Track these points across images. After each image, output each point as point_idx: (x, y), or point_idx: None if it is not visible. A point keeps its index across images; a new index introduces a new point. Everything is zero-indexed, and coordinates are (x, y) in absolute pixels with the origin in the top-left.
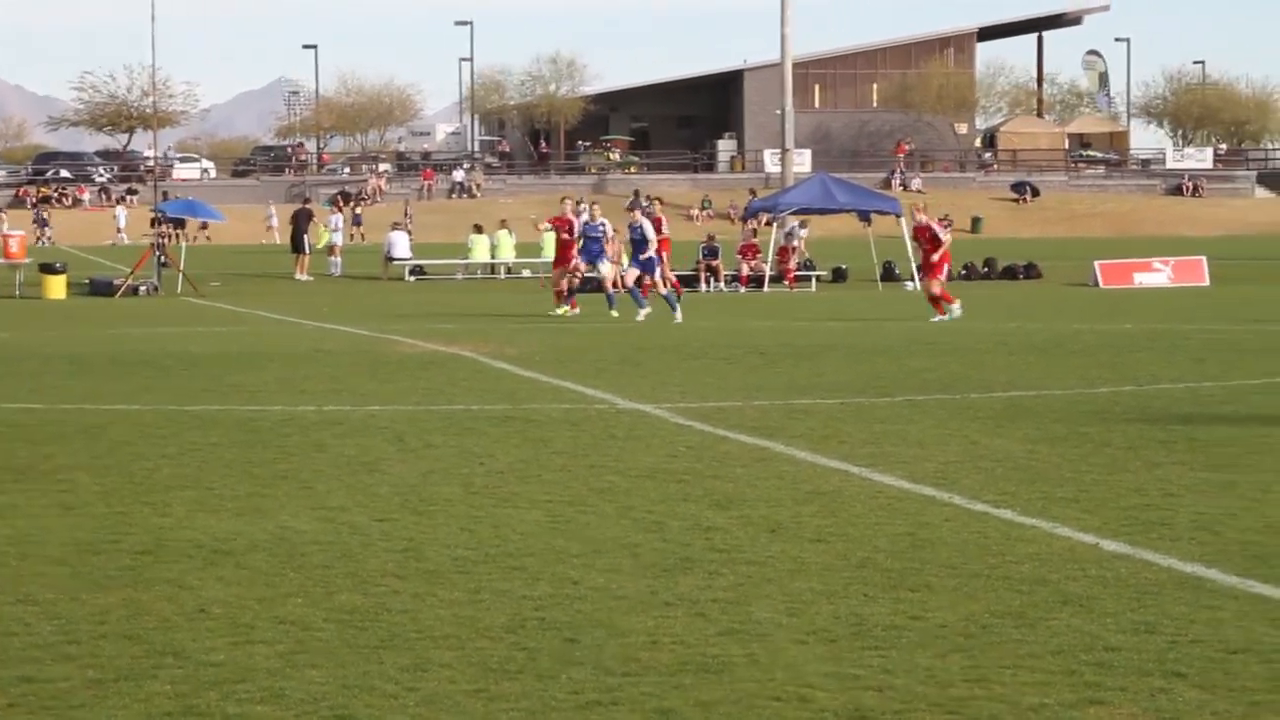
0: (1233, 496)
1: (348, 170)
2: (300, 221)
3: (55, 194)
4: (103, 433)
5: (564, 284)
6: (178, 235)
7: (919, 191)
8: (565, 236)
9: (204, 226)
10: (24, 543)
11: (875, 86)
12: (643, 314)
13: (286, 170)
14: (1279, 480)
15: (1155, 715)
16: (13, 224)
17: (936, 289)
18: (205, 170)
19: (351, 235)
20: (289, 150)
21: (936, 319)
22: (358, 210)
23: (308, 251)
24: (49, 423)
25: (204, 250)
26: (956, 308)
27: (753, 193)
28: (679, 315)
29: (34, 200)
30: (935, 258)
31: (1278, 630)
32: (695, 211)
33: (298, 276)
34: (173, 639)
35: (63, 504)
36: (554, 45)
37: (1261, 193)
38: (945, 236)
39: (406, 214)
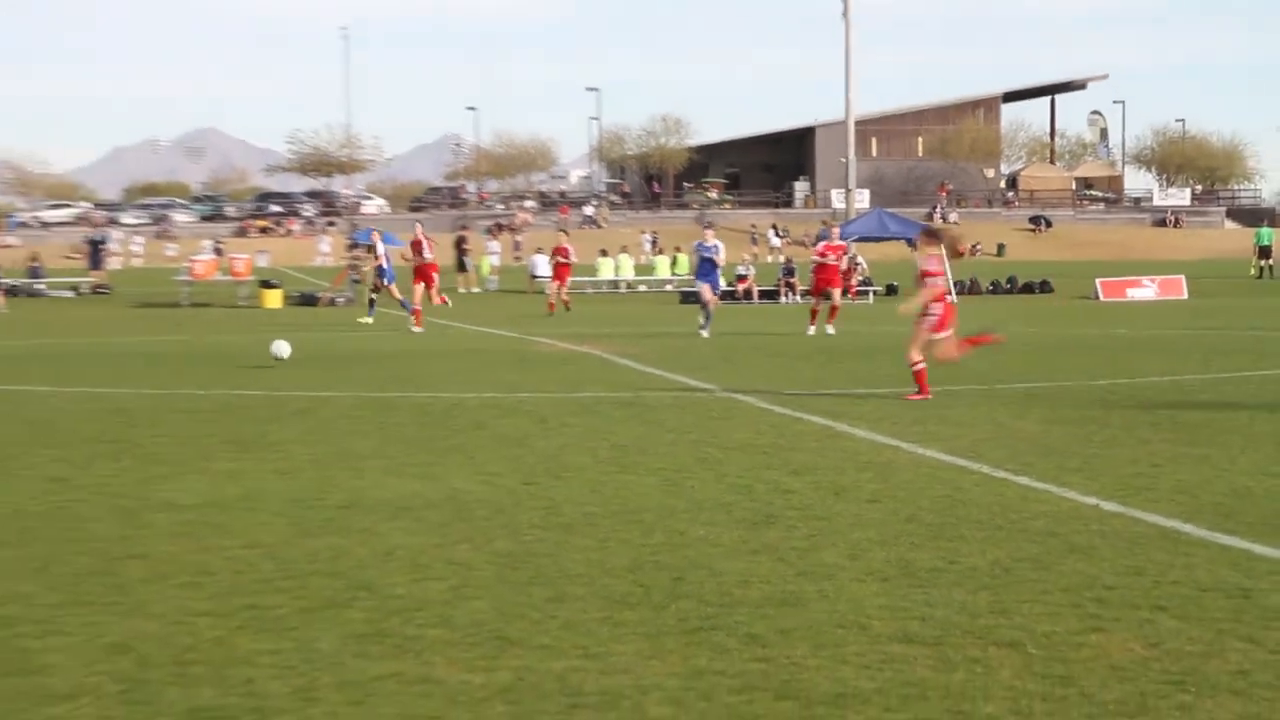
0: (1207, 466)
1: (501, 206)
2: (459, 246)
3: (271, 225)
4: (311, 413)
5: (417, 297)
6: (369, 257)
7: (955, 223)
8: (561, 260)
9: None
10: (250, 499)
11: (920, 139)
12: (705, 332)
13: (454, 206)
14: (1243, 454)
15: (1143, 640)
16: (237, 250)
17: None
18: (380, 206)
19: (513, 257)
20: (452, 190)
21: None
22: (518, 238)
23: (468, 270)
24: (268, 405)
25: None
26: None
27: (824, 223)
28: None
29: (255, 231)
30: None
31: (1239, 573)
32: (776, 239)
33: (460, 290)
34: (366, 576)
35: (280, 469)
36: (665, 106)
37: (1230, 225)
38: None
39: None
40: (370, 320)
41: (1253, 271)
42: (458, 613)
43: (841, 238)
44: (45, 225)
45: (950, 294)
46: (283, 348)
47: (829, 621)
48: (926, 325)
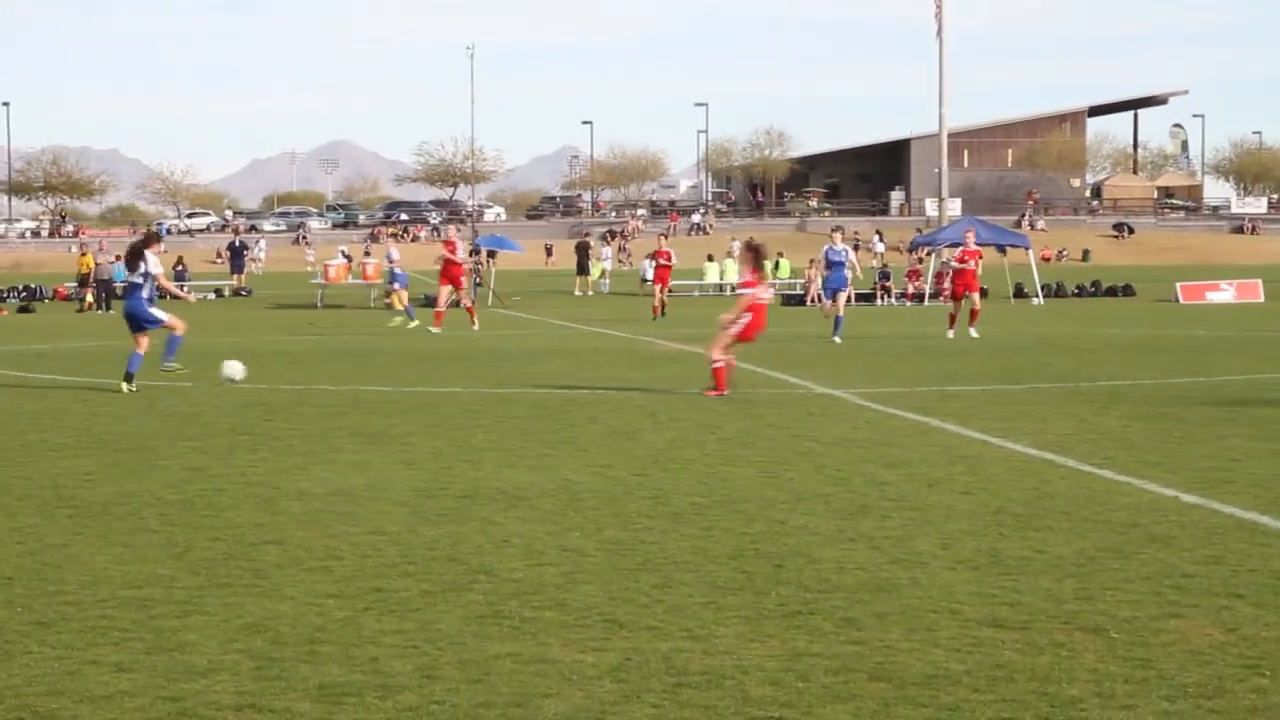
0: None
1: (614, 214)
2: (581, 252)
3: (400, 232)
4: (433, 408)
5: (445, 304)
6: (490, 261)
7: (1042, 230)
8: (450, 256)
9: (491, 255)
10: (375, 489)
11: (1009, 151)
12: (838, 338)
13: (569, 214)
14: None
15: (1220, 626)
16: (372, 255)
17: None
18: (498, 214)
19: (619, 261)
20: (566, 199)
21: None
22: (625, 244)
23: (589, 274)
24: (393, 400)
25: (508, 273)
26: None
27: (918, 231)
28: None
29: (385, 237)
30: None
31: None
32: (880, 245)
33: (576, 293)
34: (484, 561)
35: (404, 460)
36: (768, 120)
37: None
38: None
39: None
40: (407, 323)
41: None
42: (570, 596)
43: (933, 245)
44: (191, 233)
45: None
46: (235, 369)
47: (921, 607)
48: (733, 330)
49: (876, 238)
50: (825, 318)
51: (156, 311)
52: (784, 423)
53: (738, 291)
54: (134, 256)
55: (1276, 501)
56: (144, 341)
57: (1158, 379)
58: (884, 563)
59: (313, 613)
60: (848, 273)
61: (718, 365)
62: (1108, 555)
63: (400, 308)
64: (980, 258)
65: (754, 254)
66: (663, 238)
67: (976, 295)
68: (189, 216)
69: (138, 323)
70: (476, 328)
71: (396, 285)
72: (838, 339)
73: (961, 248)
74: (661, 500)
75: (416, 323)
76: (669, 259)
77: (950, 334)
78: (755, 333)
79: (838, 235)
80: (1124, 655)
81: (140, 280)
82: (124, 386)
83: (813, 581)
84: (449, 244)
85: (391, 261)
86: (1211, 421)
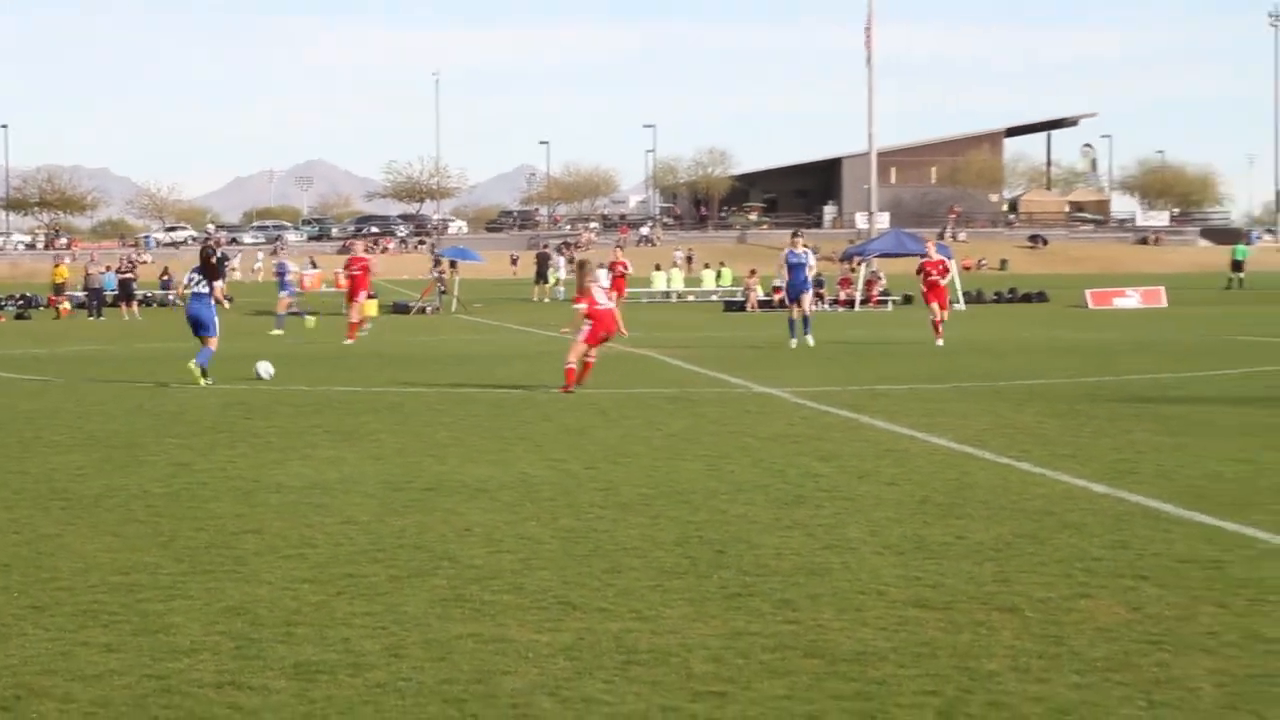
0: (1183, 453)
1: (569, 227)
2: (540, 262)
3: (370, 245)
4: (400, 407)
5: (357, 317)
6: (453, 271)
7: (963, 241)
8: (356, 274)
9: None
10: (347, 482)
11: (933, 169)
12: (795, 342)
13: (526, 227)
14: (1215, 442)
15: (1126, 605)
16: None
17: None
18: (460, 228)
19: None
20: (523, 213)
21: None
22: (577, 255)
23: (548, 282)
24: (364, 400)
25: (471, 281)
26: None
27: (850, 243)
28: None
29: (282, 249)
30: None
31: (1212, 546)
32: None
33: (534, 299)
34: (448, 548)
35: (373, 455)
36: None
37: (1203, 243)
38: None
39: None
40: (302, 324)
41: (1225, 283)
42: (527, 581)
43: (863, 255)
44: (176, 245)
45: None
46: (265, 368)
47: (851, 589)
48: (580, 337)
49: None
50: (795, 319)
51: (216, 321)
52: (725, 420)
53: (574, 307)
54: (209, 267)
55: (1178, 491)
56: (212, 341)
57: (1069, 378)
58: (817, 548)
59: (289, 597)
60: (809, 273)
61: (569, 367)
62: (1024, 541)
63: (280, 313)
64: (942, 269)
65: (580, 270)
66: (618, 249)
67: (936, 305)
68: (169, 230)
69: (200, 327)
70: (350, 343)
71: (284, 293)
72: (810, 339)
73: (924, 259)
74: (612, 491)
75: (280, 332)
76: (625, 268)
77: (939, 343)
78: (600, 336)
79: (798, 240)
80: (1038, 633)
81: (205, 290)
82: (201, 381)
83: (752, 566)
84: (356, 261)
85: (283, 274)
86: (1119, 417)
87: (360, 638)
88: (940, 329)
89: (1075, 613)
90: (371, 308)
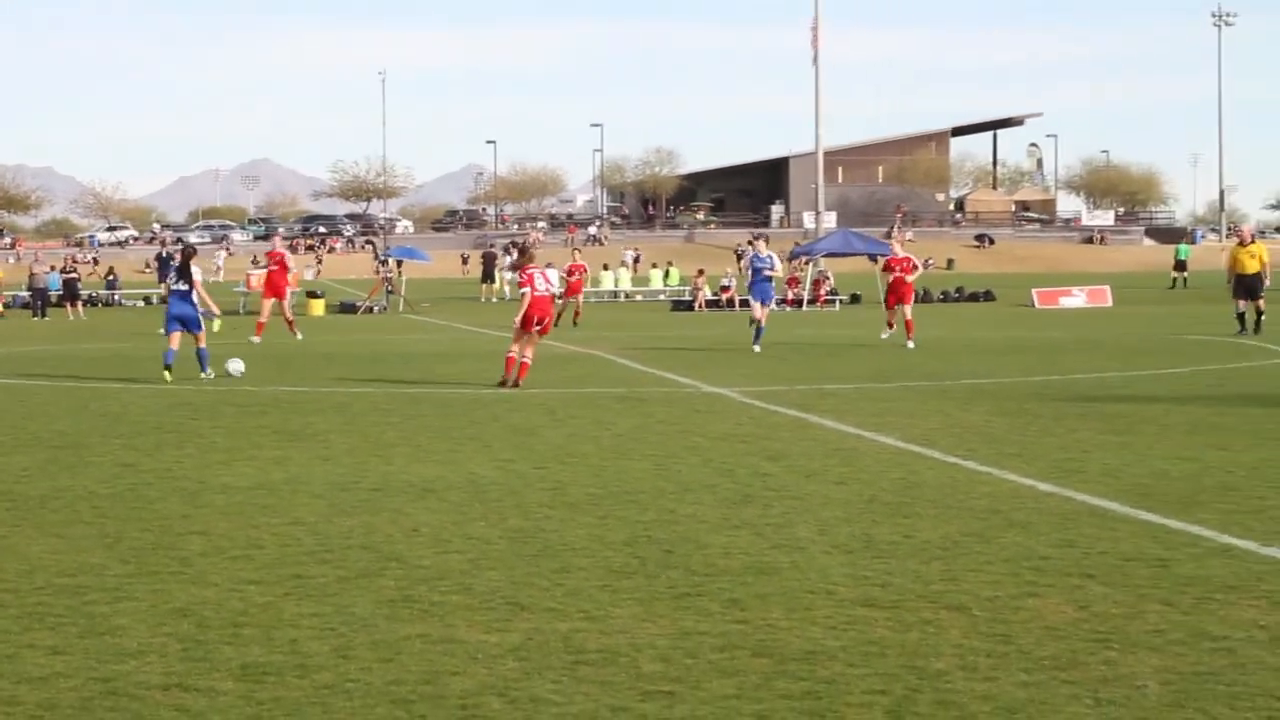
0: (1128, 452)
1: (516, 227)
2: (488, 261)
3: (317, 244)
4: (348, 407)
5: (267, 314)
6: (399, 270)
7: (911, 240)
8: (273, 269)
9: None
10: (295, 483)
11: (880, 168)
12: (759, 348)
13: (472, 227)
14: (1160, 441)
15: (1073, 603)
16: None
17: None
18: (406, 227)
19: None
20: (469, 213)
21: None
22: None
23: (495, 281)
24: (311, 400)
25: (418, 281)
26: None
27: (796, 243)
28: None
29: (303, 249)
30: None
31: (1158, 545)
32: (742, 246)
33: (482, 299)
34: (395, 549)
35: (321, 456)
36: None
37: (1148, 242)
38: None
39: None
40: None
41: (1169, 283)
42: (475, 581)
43: (810, 254)
44: (123, 244)
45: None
46: (236, 366)
47: (800, 588)
48: (517, 323)
49: (751, 247)
50: (751, 325)
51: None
52: (673, 419)
53: (520, 291)
54: (185, 268)
55: (1125, 489)
56: (202, 337)
57: (1016, 377)
58: (766, 548)
59: (236, 598)
60: (770, 274)
61: (508, 355)
62: (971, 539)
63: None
64: (908, 266)
65: (521, 253)
66: (577, 252)
67: (909, 306)
68: (110, 229)
69: (188, 324)
70: (300, 337)
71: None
72: (757, 348)
73: (886, 258)
74: (560, 492)
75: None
76: (583, 271)
77: (885, 335)
78: (534, 321)
79: (761, 243)
80: (986, 631)
81: (186, 287)
82: (201, 375)
83: (700, 566)
84: (275, 256)
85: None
86: (1065, 416)
87: (308, 639)
88: (911, 328)
89: (1023, 611)
90: (318, 307)
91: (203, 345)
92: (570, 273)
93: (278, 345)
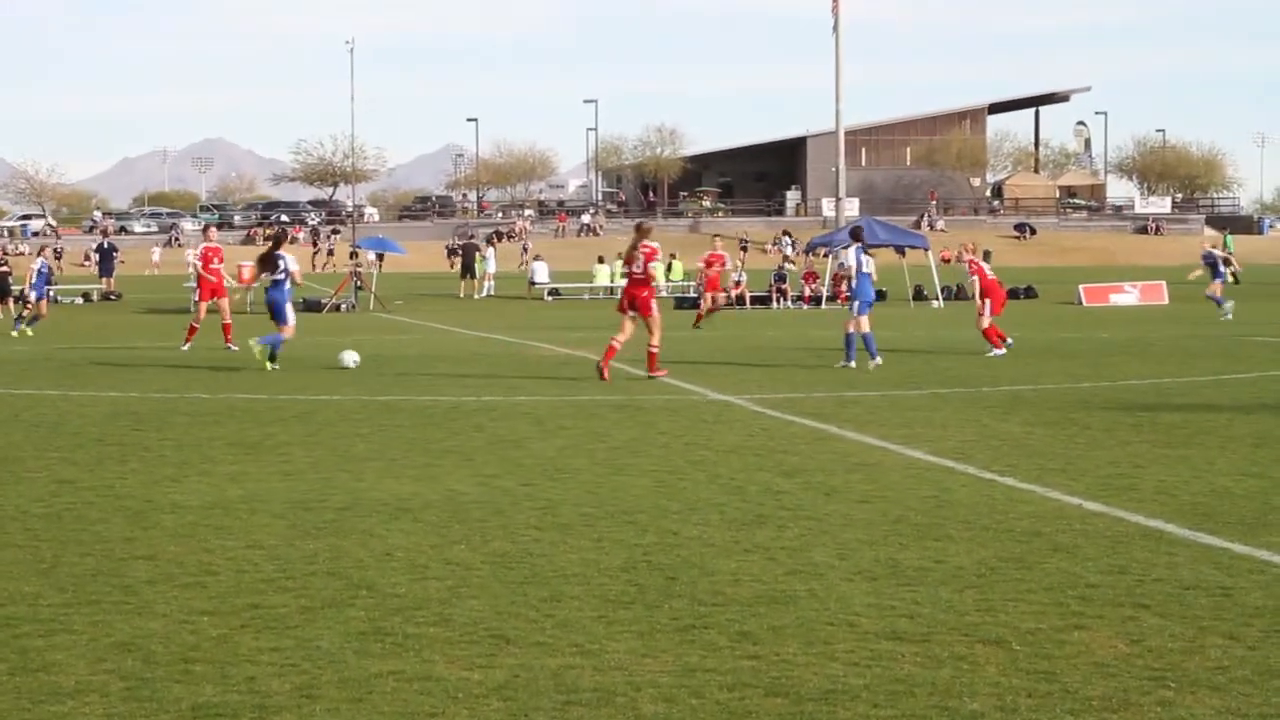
0: (1186, 467)
1: (500, 215)
2: (467, 254)
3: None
4: (312, 416)
5: (202, 314)
6: (378, 264)
7: (942, 230)
8: (204, 267)
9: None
10: (252, 501)
11: (908, 149)
12: (854, 363)
13: (445, 215)
14: (1222, 455)
15: (1125, 637)
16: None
17: (981, 325)
18: (371, 215)
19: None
20: (443, 199)
21: (991, 353)
22: (526, 244)
23: (475, 276)
24: (272, 409)
25: (390, 275)
26: (992, 351)
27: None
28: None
29: (261, 239)
30: (978, 297)
31: (1220, 571)
32: (769, 246)
33: (460, 296)
34: (365, 575)
35: (282, 471)
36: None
37: (1209, 231)
38: (971, 276)
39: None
40: (23, 331)
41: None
42: (455, 612)
43: (831, 245)
44: (56, 232)
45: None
46: (351, 357)
47: (818, 619)
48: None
49: (786, 238)
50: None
51: (289, 310)
52: (677, 430)
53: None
54: (272, 256)
55: (1181, 509)
56: (286, 329)
57: (1060, 384)
58: (780, 574)
59: (186, 630)
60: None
61: (610, 343)
62: (1009, 565)
63: (25, 313)
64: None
65: (635, 232)
66: (718, 239)
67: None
68: (23, 220)
69: (276, 313)
70: (235, 348)
71: (34, 294)
72: (878, 359)
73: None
74: (550, 511)
75: (16, 334)
76: (723, 263)
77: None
78: (625, 303)
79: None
80: (1027, 668)
81: (281, 277)
82: (267, 365)
83: (707, 594)
84: (212, 251)
85: (37, 272)
86: (1116, 427)
87: (267, 676)
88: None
89: (1068, 646)
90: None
91: (283, 335)
92: (709, 264)
93: (232, 350)
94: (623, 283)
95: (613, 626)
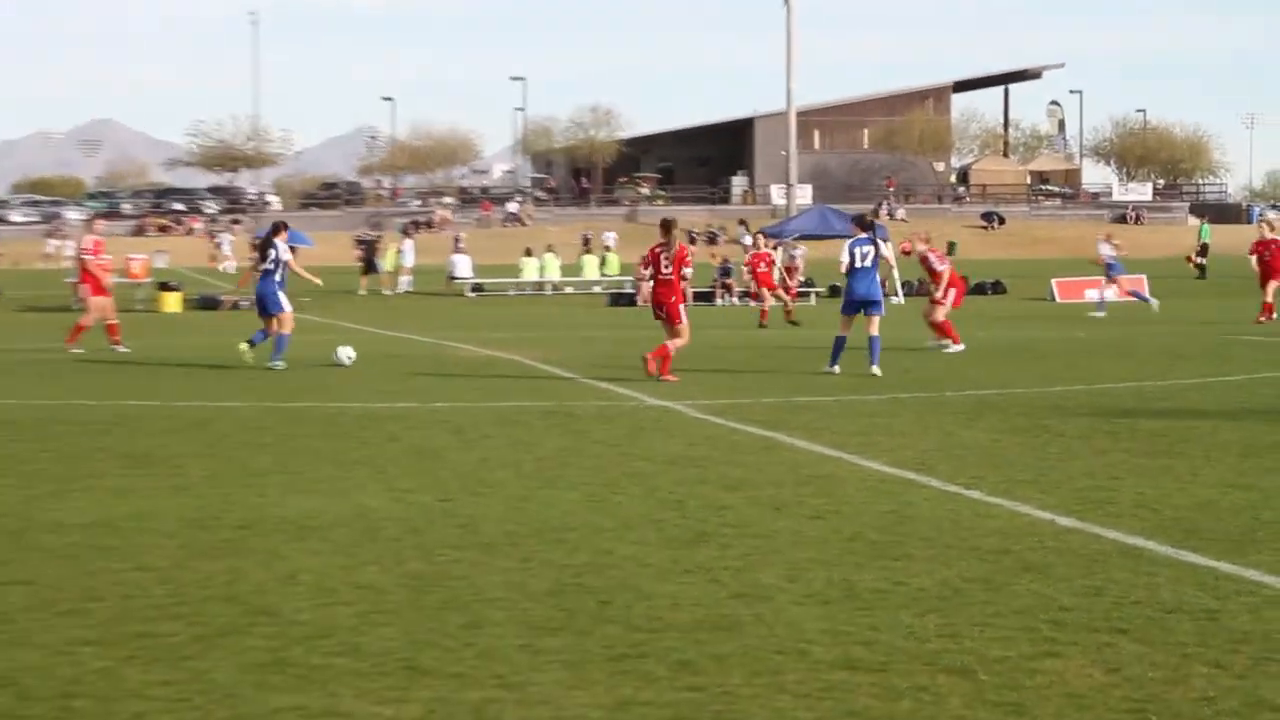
0: (1168, 479)
1: (418, 203)
2: (368, 247)
3: (171, 224)
4: (209, 426)
5: (92, 310)
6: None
7: (903, 220)
8: (88, 261)
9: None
10: (141, 519)
11: (866, 131)
12: (838, 367)
13: (354, 203)
14: (1207, 465)
15: (1102, 666)
16: (137, 250)
17: (939, 316)
18: (270, 203)
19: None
20: (351, 186)
21: (932, 344)
22: (460, 235)
23: (377, 271)
24: (164, 417)
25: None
26: (952, 347)
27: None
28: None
29: (154, 230)
30: (938, 289)
31: (1206, 593)
32: (748, 238)
33: (360, 292)
34: (266, 601)
35: (175, 486)
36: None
37: (1194, 221)
38: (940, 266)
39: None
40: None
41: (1195, 271)
42: (366, 640)
43: (783, 235)
44: None
45: None
46: (346, 353)
47: (766, 647)
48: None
49: (742, 228)
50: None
51: (283, 298)
52: (611, 439)
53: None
54: (265, 245)
55: (1163, 525)
56: (273, 324)
57: (1031, 387)
58: (724, 597)
59: (66, 663)
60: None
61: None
62: (976, 587)
63: None
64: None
65: (661, 229)
66: (760, 236)
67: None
68: None
69: (266, 306)
70: (123, 349)
71: None
72: (876, 369)
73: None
74: (471, 529)
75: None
76: (769, 262)
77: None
78: (657, 307)
79: (876, 223)
80: (994, 700)
81: (272, 266)
82: (242, 346)
83: (643, 620)
84: (98, 245)
85: None
86: (1091, 434)
87: (156, 713)
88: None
89: (1039, 675)
90: (172, 302)
91: (282, 332)
92: (755, 263)
93: (121, 351)
94: (554, 277)
95: (539, 656)
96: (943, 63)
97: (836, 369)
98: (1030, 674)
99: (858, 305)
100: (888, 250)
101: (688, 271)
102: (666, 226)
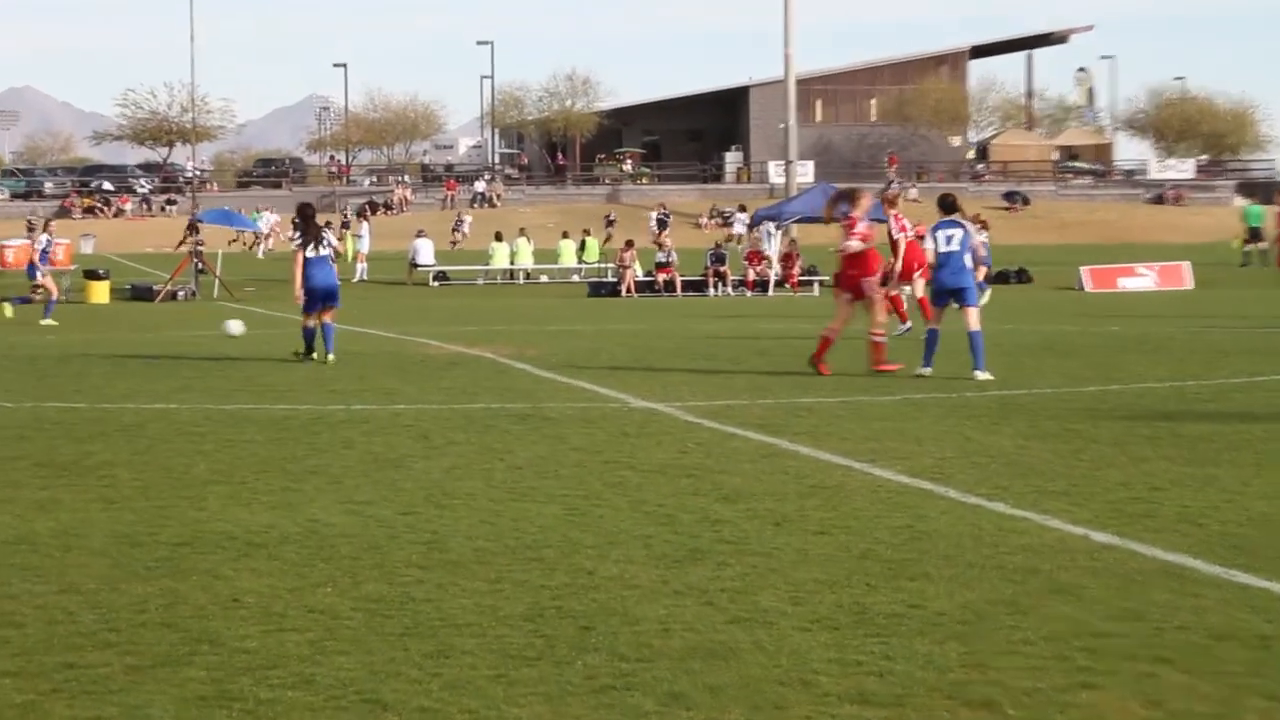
0: (1215, 490)
1: (373, 181)
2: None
3: (98, 205)
4: (142, 430)
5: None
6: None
7: (915, 200)
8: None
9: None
10: (67, 535)
11: (874, 102)
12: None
13: (299, 182)
14: (1258, 475)
15: (1143, 699)
16: (59, 233)
17: (892, 291)
18: (206, 180)
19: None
20: (294, 162)
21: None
22: (465, 216)
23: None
24: (91, 421)
25: (239, 257)
26: (900, 327)
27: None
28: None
29: (79, 211)
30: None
31: (1259, 617)
32: (704, 220)
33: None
34: (208, 627)
35: (104, 498)
36: (570, 63)
37: (1240, 201)
38: (898, 234)
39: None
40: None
41: (1239, 259)
42: (319, 671)
43: (781, 218)
44: None
45: None
46: (235, 326)
47: (767, 678)
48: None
49: (738, 210)
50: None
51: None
52: (593, 446)
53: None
54: (316, 231)
55: (1209, 541)
56: (327, 315)
57: (1060, 387)
58: (720, 622)
59: None
60: (968, 259)
61: (824, 333)
62: (1001, 610)
63: None
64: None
65: (851, 201)
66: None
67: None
68: None
69: (334, 297)
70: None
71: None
72: (980, 373)
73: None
74: (437, 546)
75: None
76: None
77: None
78: (848, 280)
79: (960, 208)
80: None
81: (327, 253)
82: (315, 356)
83: (629, 648)
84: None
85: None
86: (1129, 440)
87: None
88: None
89: (1073, 709)
90: (100, 292)
91: (330, 323)
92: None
93: (42, 343)
94: (528, 264)
95: (514, 688)
96: (958, 25)
97: (928, 370)
98: (1062, 708)
99: (946, 295)
100: (975, 235)
101: (851, 244)
102: (853, 197)
